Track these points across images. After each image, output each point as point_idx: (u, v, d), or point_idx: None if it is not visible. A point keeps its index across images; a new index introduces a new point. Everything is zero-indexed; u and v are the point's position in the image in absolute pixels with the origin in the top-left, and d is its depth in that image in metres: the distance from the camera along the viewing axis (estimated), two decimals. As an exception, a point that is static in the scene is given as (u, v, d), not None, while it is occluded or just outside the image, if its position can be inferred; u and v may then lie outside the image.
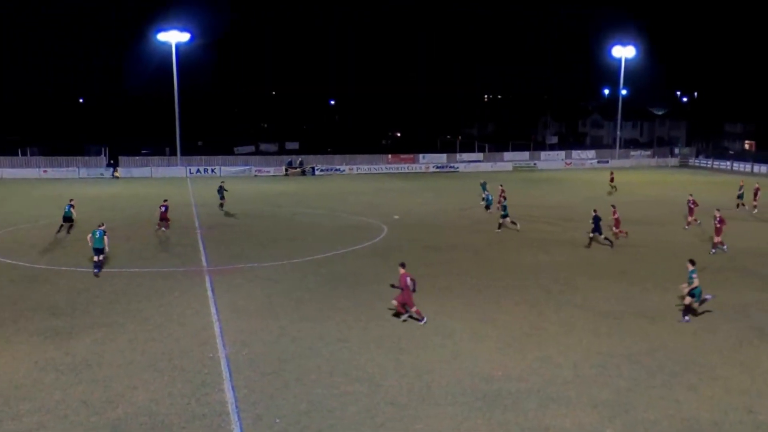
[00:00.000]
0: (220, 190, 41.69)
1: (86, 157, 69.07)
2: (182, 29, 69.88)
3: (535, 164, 78.27)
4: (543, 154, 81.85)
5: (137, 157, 71.04)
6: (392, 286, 18.56)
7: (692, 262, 19.12)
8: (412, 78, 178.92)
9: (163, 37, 69.70)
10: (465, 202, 43.80)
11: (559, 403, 13.51)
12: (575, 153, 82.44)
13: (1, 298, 20.80)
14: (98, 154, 69.91)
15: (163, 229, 32.69)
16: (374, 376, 14.79)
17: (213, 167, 69.39)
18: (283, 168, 70.57)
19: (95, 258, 23.78)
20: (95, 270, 23.71)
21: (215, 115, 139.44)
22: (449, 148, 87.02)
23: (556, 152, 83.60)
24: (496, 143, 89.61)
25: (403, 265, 18.49)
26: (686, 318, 18.72)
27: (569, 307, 20.06)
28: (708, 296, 19.24)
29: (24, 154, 69.00)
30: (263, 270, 24.86)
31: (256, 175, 69.13)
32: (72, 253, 27.14)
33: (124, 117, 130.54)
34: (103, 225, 24.95)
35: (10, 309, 19.68)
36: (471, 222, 36.13)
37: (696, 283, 18.62)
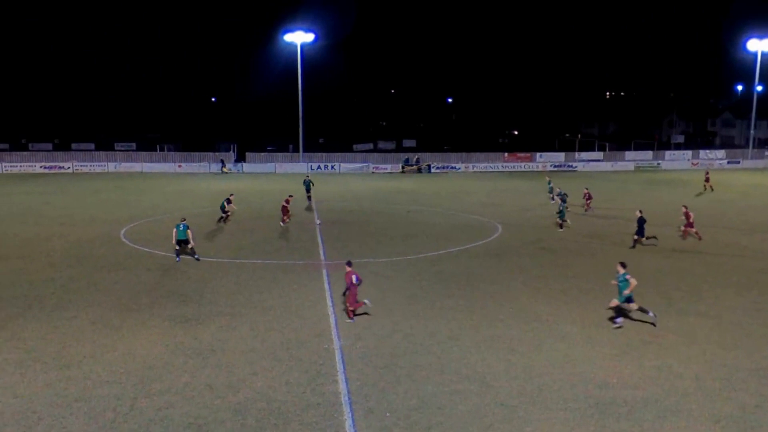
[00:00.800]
0: (306, 183, 43.30)
1: (216, 153, 73.12)
2: (307, 30, 72.25)
3: (658, 164, 74.88)
4: (667, 154, 78.16)
5: (263, 154, 74.27)
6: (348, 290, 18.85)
7: (623, 265, 18.36)
8: (530, 74, 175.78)
9: (289, 38, 72.35)
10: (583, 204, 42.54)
11: (678, 415, 12.99)
12: (703, 153, 78.09)
13: (138, 285, 22.49)
14: (227, 150, 73.74)
15: (281, 223, 34.21)
16: (485, 376, 14.81)
17: (333, 164, 71.38)
18: (400, 165, 71.45)
19: (176, 247, 26.29)
20: (177, 258, 26.16)
21: (336, 114, 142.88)
22: (568, 147, 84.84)
23: (681, 152, 79.60)
24: (617, 143, 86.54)
25: (349, 264, 18.81)
26: (618, 320, 18.11)
27: (692, 316, 19.16)
28: (650, 314, 18.22)
29: (161, 149, 73.93)
30: (378, 266, 25.36)
31: (373, 172, 70.43)
32: (201, 245, 28.75)
33: (252, 115, 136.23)
34: (185, 219, 27.10)
35: (147, 295, 21.25)
36: (587, 224, 35.12)
37: (632, 287, 17.92)
